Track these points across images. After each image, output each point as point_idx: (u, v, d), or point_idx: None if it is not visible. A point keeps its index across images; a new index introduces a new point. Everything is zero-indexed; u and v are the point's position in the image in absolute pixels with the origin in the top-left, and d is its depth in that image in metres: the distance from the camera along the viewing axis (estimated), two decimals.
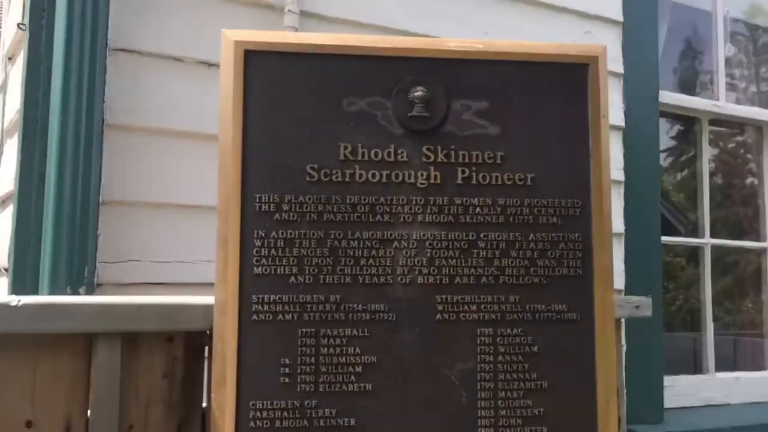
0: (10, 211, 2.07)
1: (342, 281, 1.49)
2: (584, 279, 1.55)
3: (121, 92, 2.02)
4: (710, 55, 3.72)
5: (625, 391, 1.97)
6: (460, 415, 1.49)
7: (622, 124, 3.05)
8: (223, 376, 1.43)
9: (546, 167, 1.56)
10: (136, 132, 2.03)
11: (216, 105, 1.50)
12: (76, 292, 1.91)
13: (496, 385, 1.50)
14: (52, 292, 1.88)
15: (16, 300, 1.36)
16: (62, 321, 1.38)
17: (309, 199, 1.50)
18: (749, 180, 4.12)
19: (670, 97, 3.41)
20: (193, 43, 2.08)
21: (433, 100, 1.54)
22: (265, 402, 1.43)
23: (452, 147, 1.55)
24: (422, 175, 1.53)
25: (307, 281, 1.48)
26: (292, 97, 1.51)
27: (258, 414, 1.43)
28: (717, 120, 3.71)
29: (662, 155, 3.46)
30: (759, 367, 3.72)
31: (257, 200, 1.49)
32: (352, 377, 1.47)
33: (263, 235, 1.48)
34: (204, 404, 1.55)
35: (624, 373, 2.26)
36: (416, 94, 1.53)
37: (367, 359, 1.47)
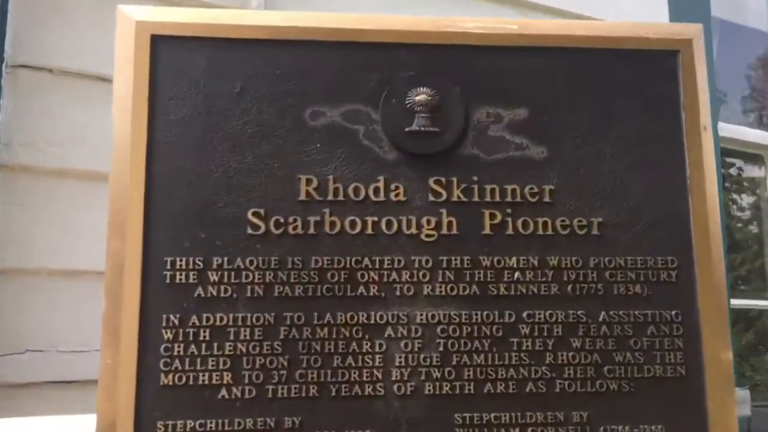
0: None
1: (303, 394, 0.93)
2: (690, 384, 0.98)
3: (21, 121, 1.51)
4: None
5: None
6: None
7: None
8: None
9: (620, 207, 1.01)
10: (39, 175, 1.51)
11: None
12: None
13: None
14: None
15: None
16: None
17: (251, 263, 0.95)
18: None
19: (725, 129, 2.85)
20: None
21: (444, 107, 1.00)
22: None
23: (474, 178, 1.00)
24: (429, 222, 0.98)
25: (246, 395, 0.92)
26: (224, 106, 0.98)
27: None
28: None
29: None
30: None
31: (168, 267, 0.94)
32: None
33: (176, 322, 0.93)
34: None
35: None
36: (417, 98, 1.00)
37: None
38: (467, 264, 0.98)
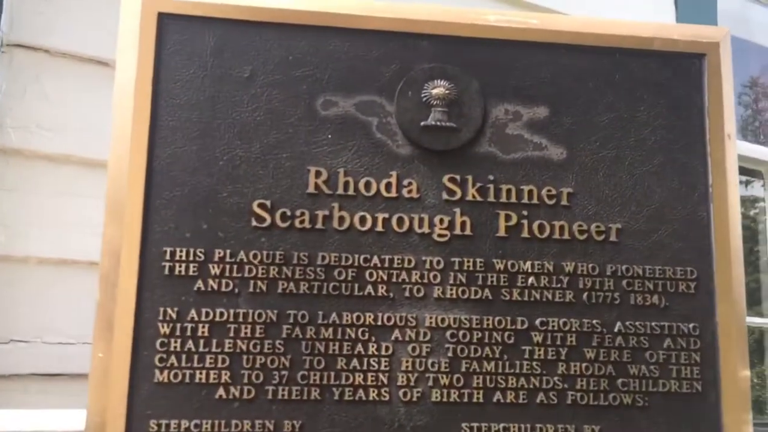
0: None
1: (305, 397, 0.88)
2: (706, 399, 0.94)
3: (15, 102, 1.45)
4: None
5: None
6: None
7: None
8: None
9: (639, 214, 0.97)
10: (32, 159, 1.45)
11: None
12: None
13: None
14: None
15: None
16: None
17: (255, 257, 0.90)
18: None
19: None
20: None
21: (462, 102, 0.96)
22: None
23: (490, 178, 0.96)
24: (441, 221, 0.94)
25: (245, 396, 0.87)
26: (233, 91, 0.94)
27: None
28: None
29: None
30: None
31: (167, 257, 0.89)
32: None
33: (174, 316, 0.88)
34: None
35: None
36: (434, 91, 0.95)
37: None
38: (480, 267, 0.94)
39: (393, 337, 0.91)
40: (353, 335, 0.90)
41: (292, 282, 0.90)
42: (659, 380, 0.94)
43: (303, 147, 0.93)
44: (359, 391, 0.89)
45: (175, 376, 0.87)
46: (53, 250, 1.44)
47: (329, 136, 0.94)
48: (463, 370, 0.91)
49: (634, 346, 0.94)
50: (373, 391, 0.89)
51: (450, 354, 0.91)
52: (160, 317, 0.88)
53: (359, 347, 0.90)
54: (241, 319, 0.89)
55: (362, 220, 0.93)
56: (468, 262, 0.94)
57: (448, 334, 0.92)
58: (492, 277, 0.94)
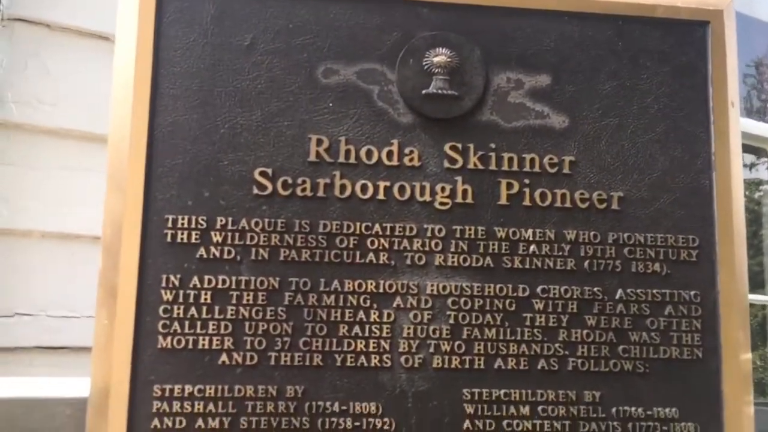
0: None
1: (307, 362, 0.89)
2: (706, 366, 0.95)
3: (16, 77, 1.45)
4: None
5: None
6: None
7: None
8: None
9: (641, 182, 0.97)
10: (33, 133, 1.45)
11: None
12: None
13: None
14: None
15: None
16: None
17: (256, 224, 0.90)
18: None
19: None
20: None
21: (463, 70, 0.96)
22: None
23: (492, 146, 0.96)
24: (443, 190, 0.94)
25: (248, 362, 0.88)
26: (234, 59, 0.93)
27: None
28: None
29: None
30: None
31: (169, 225, 0.89)
32: None
33: (177, 283, 0.88)
34: None
35: None
36: (436, 59, 0.95)
37: None
38: (481, 235, 0.94)
39: (394, 305, 0.91)
40: (355, 302, 0.91)
41: (294, 250, 0.91)
42: (660, 347, 0.94)
43: (304, 115, 0.93)
44: (361, 358, 0.90)
45: (179, 342, 0.87)
46: (56, 224, 1.45)
47: (330, 105, 0.94)
48: (464, 336, 0.92)
49: (635, 313, 0.94)
50: (375, 358, 0.90)
51: (451, 321, 0.92)
52: (163, 284, 0.88)
53: (361, 314, 0.91)
54: (243, 287, 0.89)
55: (364, 188, 0.93)
56: (469, 230, 0.94)
57: (449, 301, 0.92)
58: (493, 244, 0.94)
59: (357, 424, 0.88)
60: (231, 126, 0.92)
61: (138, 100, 0.91)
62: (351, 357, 0.90)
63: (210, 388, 0.87)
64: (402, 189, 0.94)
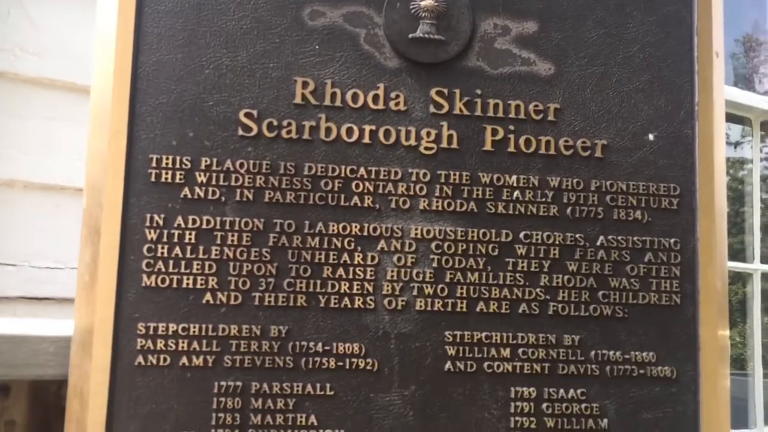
0: None
1: (291, 303, 0.90)
2: (684, 312, 0.96)
3: (0, 26, 1.42)
4: (764, 42, 3.16)
5: None
6: None
7: None
8: None
9: (625, 130, 0.98)
10: (16, 83, 1.42)
11: None
12: None
13: None
14: None
15: None
16: None
17: (241, 166, 0.90)
18: None
19: None
20: None
21: (450, 15, 0.96)
22: None
23: (478, 92, 0.96)
24: (428, 134, 0.94)
25: (232, 301, 0.88)
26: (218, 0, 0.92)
27: None
28: None
29: None
30: None
31: (153, 164, 0.89)
32: None
33: (161, 222, 0.88)
34: None
35: None
36: (423, 3, 0.95)
37: None
38: (466, 180, 0.94)
39: (379, 248, 0.92)
40: (339, 245, 0.91)
41: (279, 191, 0.91)
42: (639, 293, 0.96)
43: (290, 57, 0.93)
44: (345, 299, 0.90)
45: (163, 281, 0.88)
46: (39, 175, 1.43)
47: (316, 47, 0.93)
48: (447, 280, 0.93)
49: (615, 259, 0.96)
50: (359, 300, 0.91)
51: (435, 264, 0.93)
52: (147, 223, 0.88)
53: (345, 257, 0.91)
54: (227, 227, 0.89)
55: (349, 131, 0.93)
56: (454, 175, 0.94)
57: (433, 245, 0.93)
58: (477, 190, 0.94)
59: (340, 364, 0.89)
60: (216, 66, 0.91)
61: (122, 38, 0.90)
62: (335, 298, 0.90)
63: (194, 327, 0.87)
64: (387, 133, 0.94)
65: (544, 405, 0.92)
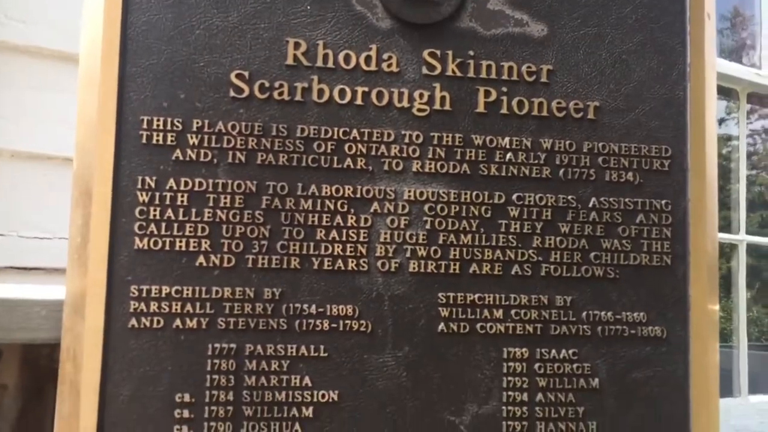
0: None
1: (284, 265, 0.89)
2: (674, 272, 0.97)
3: None
4: (750, 16, 3.16)
5: None
6: None
7: None
8: (72, 426, 0.83)
9: (617, 92, 0.98)
10: (4, 51, 1.40)
11: None
12: None
13: None
14: None
15: None
16: None
17: (233, 127, 0.90)
18: None
19: None
20: None
21: None
22: None
23: (471, 53, 0.95)
24: (421, 96, 0.94)
25: (225, 264, 0.88)
26: None
27: None
28: (756, 94, 3.12)
29: None
30: None
31: (144, 126, 0.88)
32: (297, 426, 0.88)
33: (153, 184, 0.88)
34: None
35: None
36: None
37: (323, 396, 0.88)
38: (459, 142, 0.94)
39: (372, 210, 0.92)
40: (332, 207, 0.91)
41: (271, 153, 0.90)
42: (630, 254, 0.96)
43: (281, 18, 0.92)
44: (338, 261, 0.91)
45: (155, 243, 0.87)
46: (26, 144, 1.42)
47: (308, 7, 0.92)
48: (441, 242, 0.93)
49: (607, 221, 0.96)
50: (352, 262, 0.91)
51: (428, 226, 0.93)
52: (139, 186, 0.88)
53: (338, 219, 0.91)
54: (220, 189, 0.89)
55: (342, 93, 0.92)
56: (447, 137, 0.94)
57: (426, 207, 0.93)
58: (470, 152, 0.94)
59: (334, 326, 0.90)
60: (206, 27, 0.90)
61: (109, 9, 0.88)
62: (328, 261, 0.90)
63: (187, 289, 0.87)
64: (380, 95, 0.93)
65: (537, 365, 0.93)
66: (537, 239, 0.95)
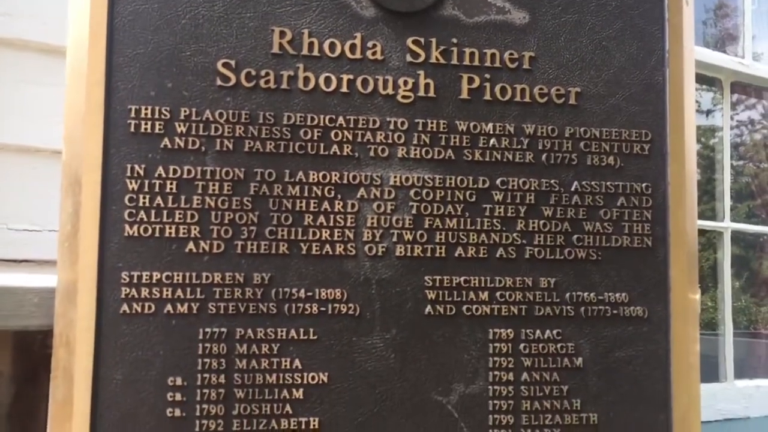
0: None
1: (273, 251, 0.91)
2: (655, 254, 1.00)
3: None
4: (734, 7, 3.19)
5: None
6: None
7: None
8: (66, 411, 0.84)
9: (598, 78, 1.00)
10: None
11: None
12: None
13: (517, 418, 0.94)
14: None
15: None
16: None
17: (220, 115, 0.91)
18: None
19: None
20: None
21: None
22: None
23: (454, 41, 0.97)
24: (406, 83, 0.95)
25: (215, 250, 0.90)
26: None
27: None
28: (740, 83, 3.16)
29: None
30: None
31: (132, 115, 0.90)
32: (288, 408, 0.89)
33: (141, 173, 0.89)
34: None
35: None
36: None
37: (313, 378, 0.90)
38: (443, 128, 0.96)
39: (358, 195, 0.93)
40: (319, 193, 0.93)
41: (259, 141, 0.92)
42: (612, 236, 0.98)
43: (266, 7, 0.93)
44: (326, 246, 0.92)
45: (145, 230, 0.88)
46: (13, 136, 1.42)
47: None
48: (426, 226, 0.95)
49: (589, 204, 0.98)
50: (340, 246, 0.92)
51: (413, 211, 0.94)
52: (128, 174, 0.89)
53: (325, 204, 0.93)
54: (208, 177, 0.90)
55: (327, 81, 0.94)
56: (431, 123, 0.96)
57: (411, 192, 0.95)
58: (455, 138, 0.96)
59: (323, 309, 0.91)
60: (192, 16, 0.91)
61: None
62: (316, 246, 0.92)
63: (178, 275, 0.89)
64: (365, 82, 0.95)
65: (522, 345, 0.95)
66: (521, 223, 0.97)
